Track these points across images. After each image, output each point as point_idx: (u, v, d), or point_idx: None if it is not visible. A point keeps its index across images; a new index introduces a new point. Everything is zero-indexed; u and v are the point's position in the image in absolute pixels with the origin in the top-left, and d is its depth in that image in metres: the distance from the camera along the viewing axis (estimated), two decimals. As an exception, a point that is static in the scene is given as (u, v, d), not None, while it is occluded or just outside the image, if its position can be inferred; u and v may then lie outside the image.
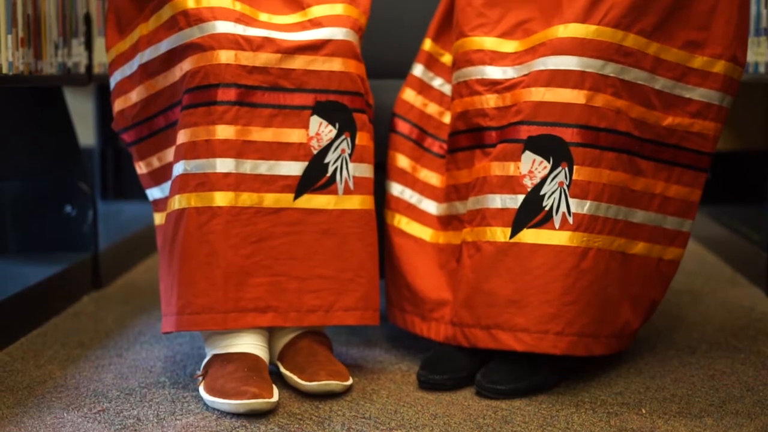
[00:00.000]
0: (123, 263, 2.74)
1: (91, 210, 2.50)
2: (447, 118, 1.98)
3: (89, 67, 2.45)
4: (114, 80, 1.94)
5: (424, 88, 2.01)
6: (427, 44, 2.02)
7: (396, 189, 1.98)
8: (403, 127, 1.99)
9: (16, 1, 2.05)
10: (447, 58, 2.00)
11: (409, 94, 2.01)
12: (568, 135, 1.77)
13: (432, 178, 1.97)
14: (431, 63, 2.01)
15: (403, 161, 1.98)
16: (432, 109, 2.00)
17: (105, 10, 2.41)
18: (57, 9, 2.27)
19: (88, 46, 2.44)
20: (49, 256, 2.46)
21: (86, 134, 3.37)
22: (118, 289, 2.55)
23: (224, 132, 1.76)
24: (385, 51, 2.19)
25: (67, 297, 2.37)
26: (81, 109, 3.36)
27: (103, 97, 3.36)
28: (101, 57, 2.50)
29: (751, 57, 2.46)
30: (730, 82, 1.88)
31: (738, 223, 2.91)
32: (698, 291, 2.50)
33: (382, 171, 2.00)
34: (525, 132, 1.79)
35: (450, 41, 1.99)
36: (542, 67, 1.79)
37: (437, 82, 2.00)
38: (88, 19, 2.43)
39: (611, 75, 1.78)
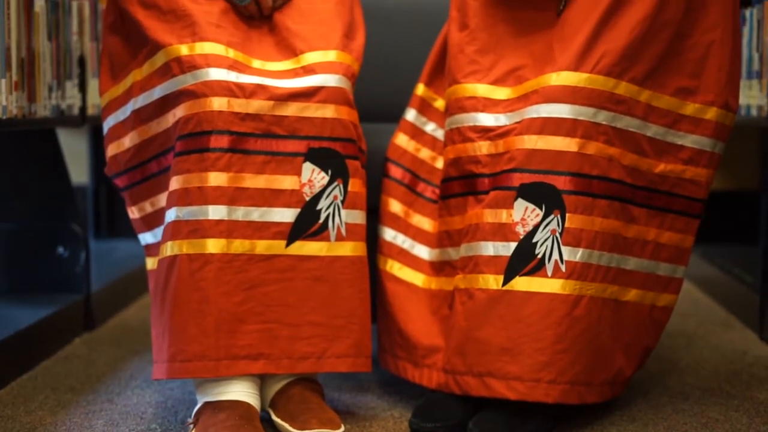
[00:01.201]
0: (116, 303, 2.73)
1: (84, 251, 2.49)
2: (440, 163, 1.98)
3: (83, 108, 2.45)
4: (107, 125, 1.94)
5: (416, 133, 2.01)
6: (420, 89, 2.02)
7: (388, 234, 1.97)
8: (395, 172, 1.99)
9: (10, 44, 2.05)
10: (440, 103, 2.00)
11: (401, 139, 2.01)
12: (561, 183, 1.77)
13: (425, 223, 1.97)
14: (424, 108, 2.02)
15: (395, 206, 1.98)
16: (425, 154, 2.00)
17: (99, 52, 2.41)
18: (51, 52, 2.27)
19: (82, 88, 2.44)
20: (41, 297, 2.45)
21: (80, 173, 3.37)
22: (111, 330, 2.54)
23: (217, 179, 1.76)
24: (378, 95, 2.19)
25: (59, 339, 2.36)
26: (75, 148, 3.36)
27: (97, 135, 3.35)
28: (95, 98, 2.50)
29: (743, 100, 2.46)
30: (722, 128, 1.88)
31: (731, 264, 2.90)
32: (692, 334, 2.50)
33: (375, 216, 2.00)
34: (517, 179, 1.79)
35: (443, 86, 1.99)
36: (535, 115, 1.79)
37: (430, 127, 2.01)
38: (82, 61, 2.43)
39: (603, 123, 1.79)
